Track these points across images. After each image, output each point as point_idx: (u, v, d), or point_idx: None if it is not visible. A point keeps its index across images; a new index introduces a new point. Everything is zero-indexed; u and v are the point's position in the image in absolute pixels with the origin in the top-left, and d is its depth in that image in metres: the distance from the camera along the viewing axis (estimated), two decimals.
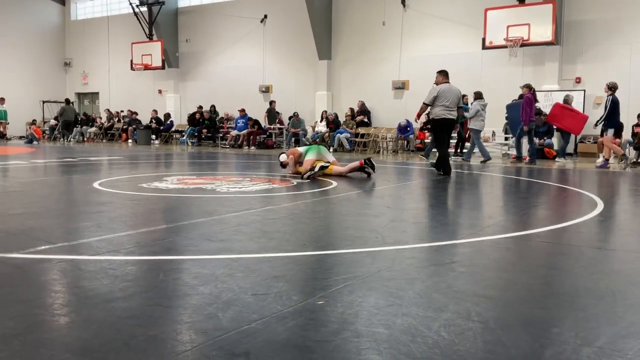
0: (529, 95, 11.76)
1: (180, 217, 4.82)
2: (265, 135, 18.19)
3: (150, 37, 21.20)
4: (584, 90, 14.12)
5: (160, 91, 22.47)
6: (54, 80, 25.20)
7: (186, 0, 21.81)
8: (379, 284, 2.77)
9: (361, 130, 16.67)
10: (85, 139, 21.82)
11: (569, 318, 2.34)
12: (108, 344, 1.99)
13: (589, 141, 13.77)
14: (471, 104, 12.73)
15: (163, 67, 21.06)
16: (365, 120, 17.00)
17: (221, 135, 19.15)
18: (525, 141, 12.60)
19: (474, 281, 2.88)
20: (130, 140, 20.58)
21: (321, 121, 17.31)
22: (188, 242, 3.71)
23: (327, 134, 16.73)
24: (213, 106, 20.08)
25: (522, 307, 2.48)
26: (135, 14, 20.92)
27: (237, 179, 7.98)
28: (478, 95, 12.68)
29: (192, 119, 19.77)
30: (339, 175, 8.14)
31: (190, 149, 17.16)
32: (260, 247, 3.57)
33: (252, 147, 17.40)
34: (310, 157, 8.19)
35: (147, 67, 21.17)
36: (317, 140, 16.60)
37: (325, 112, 17.38)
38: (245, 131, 17.90)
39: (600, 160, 11.20)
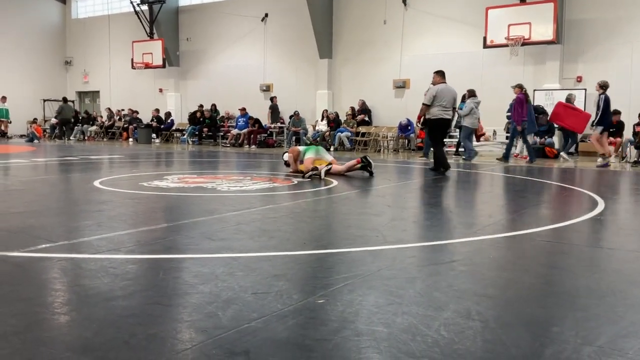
0: (520, 95, 11.84)
1: (180, 216, 4.83)
2: (266, 134, 18.19)
3: (151, 35, 21.20)
4: (585, 89, 14.10)
5: (161, 90, 22.47)
6: (54, 78, 25.20)
7: None
8: (379, 282, 2.77)
9: (362, 129, 16.66)
10: (86, 137, 21.83)
11: (569, 317, 2.34)
12: (108, 342, 2.00)
13: (588, 140, 13.74)
14: (464, 102, 12.72)
15: (164, 66, 21.05)
16: (366, 119, 16.99)
17: (222, 134, 19.15)
18: (520, 141, 12.64)
19: (474, 280, 2.88)
20: (130, 139, 20.58)
21: (322, 120, 17.31)
22: (188, 240, 3.71)
23: (327, 133, 16.73)
24: (214, 105, 20.08)
25: (523, 306, 2.48)
26: (136, 12, 20.91)
27: (238, 177, 7.99)
28: (472, 93, 12.69)
29: (192, 117, 19.77)
30: (339, 174, 8.14)
31: (191, 148, 17.17)
32: (260, 246, 3.57)
33: (253, 146, 17.40)
34: (310, 156, 8.20)
35: (147, 66, 21.16)
36: (318, 139, 16.60)
37: (326, 111, 17.37)
38: (245, 130, 17.90)
39: (600, 159, 11.20)
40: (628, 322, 2.27)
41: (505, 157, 12.10)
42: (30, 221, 4.35)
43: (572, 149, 13.10)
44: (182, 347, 1.97)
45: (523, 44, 14.20)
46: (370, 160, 8.19)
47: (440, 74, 9.14)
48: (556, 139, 13.91)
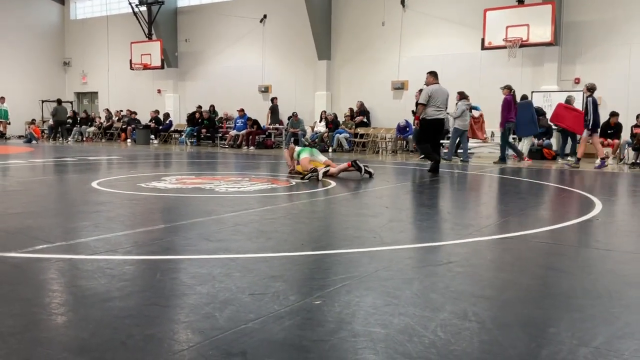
0: (508, 97, 11.93)
1: (178, 217, 4.83)
2: (264, 135, 18.18)
3: (149, 36, 21.19)
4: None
5: (159, 91, 22.46)
6: (53, 79, 25.18)
7: (185, 0, 21.80)
8: (376, 283, 2.77)
9: (360, 130, 16.66)
10: (84, 138, 21.81)
11: (565, 318, 2.34)
12: (105, 343, 2.00)
13: (588, 142, 13.75)
14: (456, 104, 12.75)
15: (162, 67, 21.04)
16: (365, 120, 17.00)
17: (220, 135, 19.14)
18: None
19: (471, 281, 2.88)
20: (129, 140, 20.56)
21: (320, 121, 17.31)
22: (186, 241, 3.71)
23: (326, 134, 16.74)
24: (212, 106, 20.08)
25: (519, 307, 2.48)
26: (135, 13, 20.91)
27: (236, 179, 7.99)
28: (463, 95, 12.74)
29: (191, 118, 19.76)
30: (335, 176, 8.14)
31: (189, 149, 17.16)
32: (258, 247, 3.57)
33: (251, 147, 17.40)
34: (305, 155, 8.21)
35: (146, 67, 21.15)
36: (316, 140, 16.60)
37: (325, 112, 17.38)
38: (244, 131, 17.90)
39: (598, 161, 11.24)
40: (624, 323, 2.28)
41: (502, 158, 12.11)
42: (28, 222, 4.35)
43: (568, 151, 13.10)
44: (179, 348, 1.98)
45: (521, 46, 14.22)
46: (361, 165, 8.15)
47: (433, 75, 9.29)
48: (554, 141, 13.93)
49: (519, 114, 12.25)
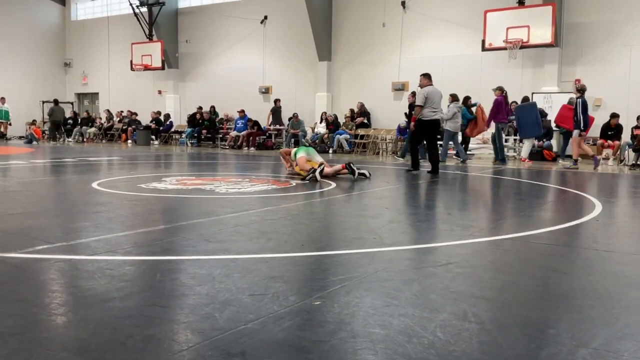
0: (499, 98, 12.00)
1: (178, 218, 4.83)
2: (264, 136, 18.19)
3: (150, 37, 21.20)
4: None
5: (160, 92, 22.47)
6: (54, 80, 25.19)
7: (186, 1, 21.81)
8: (376, 284, 2.77)
9: (361, 131, 16.66)
10: (84, 139, 21.82)
11: (565, 319, 2.34)
12: (105, 343, 2.00)
13: (588, 143, 13.78)
14: (448, 106, 12.79)
15: (163, 68, 21.06)
16: (365, 121, 17.00)
17: (221, 136, 19.15)
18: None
19: (471, 282, 2.89)
20: (129, 141, 20.58)
21: (321, 122, 17.32)
22: (186, 242, 3.71)
23: (326, 135, 16.74)
24: (213, 107, 20.09)
25: (519, 308, 2.49)
26: (136, 14, 20.92)
27: (236, 179, 7.99)
28: (454, 98, 12.80)
29: (191, 119, 19.77)
30: (335, 177, 8.15)
31: (190, 150, 17.17)
32: (258, 248, 3.57)
33: (252, 148, 17.41)
34: (302, 155, 8.21)
35: (147, 68, 21.17)
36: (317, 141, 16.61)
37: (325, 113, 17.38)
38: (244, 132, 17.91)
39: (570, 163, 11.34)
40: (623, 324, 2.28)
41: (502, 160, 12.12)
42: (28, 222, 4.35)
43: (569, 152, 13.11)
44: (178, 348, 1.98)
45: (522, 47, 14.23)
46: (354, 168, 8.14)
47: (427, 77, 9.45)
48: (554, 142, 13.93)
49: (523, 116, 12.27)
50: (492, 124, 12.83)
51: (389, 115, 16.89)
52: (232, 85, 20.29)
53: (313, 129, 17.70)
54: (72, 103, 25.27)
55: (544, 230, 4.41)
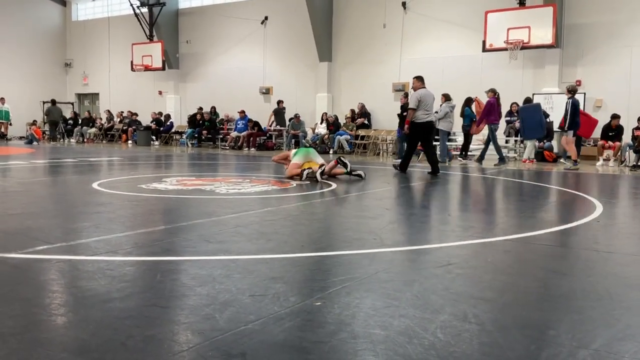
0: (491, 99, 12.06)
1: (178, 218, 4.83)
2: (265, 137, 18.19)
3: (150, 38, 21.21)
4: (584, 93, 14.12)
5: (160, 92, 22.48)
6: (54, 80, 25.21)
7: (187, 2, 21.83)
8: (376, 285, 2.77)
9: (361, 132, 16.66)
10: (85, 139, 21.83)
11: (565, 320, 2.34)
12: (105, 343, 2.00)
13: (588, 144, 13.78)
14: (440, 105, 12.80)
15: (163, 68, 21.07)
16: (366, 122, 17.00)
17: (221, 136, 19.16)
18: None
19: (471, 283, 2.88)
20: (130, 141, 20.59)
21: (321, 123, 17.32)
22: (186, 243, 3.71)
23: (327, 136, 16.74)
24: (213, 107, 20.09)
25: (519, 310, 2.48)
26: (136, 15, 20.93)
27: (237, 180, 7.99)
28: (447, 98, 12.82)
29: (192, 120, 19.78)
30: (335, 177, 8.15)
31: (190, 150, 17.17)
32: (258, 249, 3.57)
33: (252, 149, 17.41)
34: (296, 161, 8.13)
35: (147, 68, 21.18)
36: (317, 142, 16.61)
37: (326, 114, 17.39)
38: (245, 133, 17.91)
39: (569, 163, 11.36)
40: (624, 325, 2.28)
41: (501, 159, 12.13)
42: (28, 223, 4.35)
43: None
44: (178, 349, 1.98)
45: (522, 48, 14.22)
46: (346, 161, 8.14)
47: (419, 79, 9.51)
48: (555, 143, 13.92)
49: (527, 117, 12.28)
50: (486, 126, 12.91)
51: (390, 116, 16.83)
52: (232, 86, 20.29)
53: (313, 129, 17.70)
54: (72, 103, 25.28)
55: (544, 231, 4.41)
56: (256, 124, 17.98)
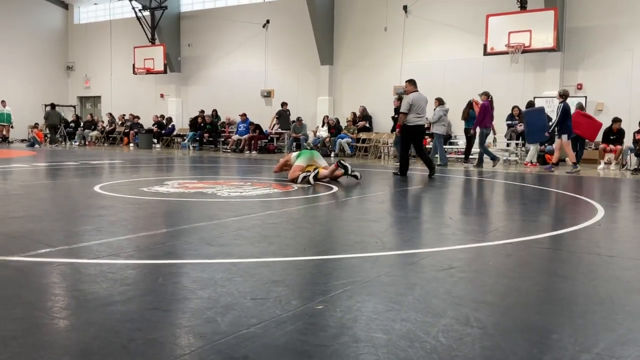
0: (485, 102, 12.09)
1: (180, 221, 4.83)
2: (266, 140, 18.20)
3: (152, 41, 21.26)
4: (585, 97, 14.13)
5: (162, 95, 22.52)
6: (56, 84, 25.26)
7: (189, 5, 21.88)
8: (378, 289, 2.77)
9: (362, 135, 16.68)
10: (86, 142, 21.86)
11: (567, 324, 2.34)
12: (107, 347, 2.00)
13: (590, 147, 13.77)
14: (434, 109, 12.81)
15: (165, 72, 21.10)
16: (367, 125, 17.01)
17: (222, 139, 19.17)
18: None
19: (473, 287, 2.88)
20: (131, 144, 20.61)
21: (322, 126, 17.33)
22: (188, 246, 3.72)
23: (328, 139, 16.75)
24: (215, 110, 20.11)
25: (521, 313, 2.48)
26: (138, 18, 20.98)
27: (238, 183, 7.99)
28: (440, 102, 12.88)
29: (193, 123, 19.80)
30: (336, 180, 8.15)
31: (192, 153, 17.19)
32: (260, 252, 3.57)
33: (254, 152, 17.42)
34: (300, 163, 8.16)
35: (149, 71, 21.21)
36: (319, 144, 16.62)
37: (327, 117, 17.40)
38: (246, 136, 17.92)
39: (571, 167, 11.41)
40: (626, 329, 2.28)
41: (493, 159, 12.17)
42: (30, 226, 4.35)
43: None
44: (180, 352, 1.98)
45: (523, 52, 14.22)
46: (347, 165, 8.18)
47: (412, 83, 9.61)
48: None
49: (531, 121, 12.28)
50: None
51: (391, 120, 16.88)
52: (234, 89, 20.32)
53: (315, 132, 17.71)
54: (74, 106, 25.31)
55: (546, 234, 4.40)
56: (257, 127, 17.99)
